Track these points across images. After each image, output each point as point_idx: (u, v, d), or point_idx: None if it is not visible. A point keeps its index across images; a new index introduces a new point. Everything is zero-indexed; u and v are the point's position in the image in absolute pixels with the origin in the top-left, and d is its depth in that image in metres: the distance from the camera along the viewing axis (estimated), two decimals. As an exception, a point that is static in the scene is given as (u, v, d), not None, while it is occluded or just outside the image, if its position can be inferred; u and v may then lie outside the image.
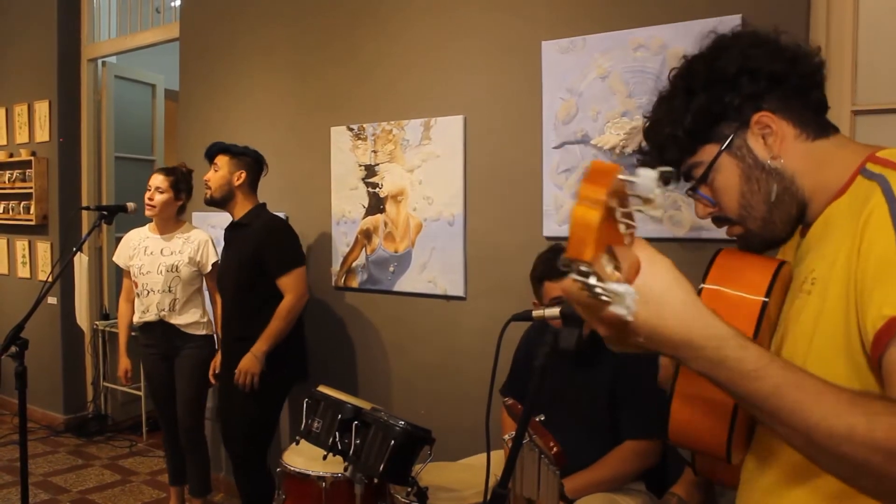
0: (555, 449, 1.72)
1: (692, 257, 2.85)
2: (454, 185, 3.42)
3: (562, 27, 3.09)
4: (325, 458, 2.20)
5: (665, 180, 1.20)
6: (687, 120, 1.16)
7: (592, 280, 0.76)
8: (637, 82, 2.90)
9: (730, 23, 2.69)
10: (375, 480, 2.01)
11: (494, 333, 3.23)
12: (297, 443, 2.36)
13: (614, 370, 2.55)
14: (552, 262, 2.60)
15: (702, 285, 1.13)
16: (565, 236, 2.84)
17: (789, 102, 1.15)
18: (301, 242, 3.56)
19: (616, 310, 0.77)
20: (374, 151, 3.69)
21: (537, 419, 1.87)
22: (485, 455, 2.88)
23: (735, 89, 1.14)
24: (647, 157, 1.24)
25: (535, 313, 1.35)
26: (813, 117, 1.16)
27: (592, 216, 0.73)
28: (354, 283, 3.79)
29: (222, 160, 3.49)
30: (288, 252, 3.43)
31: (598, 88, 2.99)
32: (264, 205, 3.57)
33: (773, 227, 1.17)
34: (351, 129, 3.77)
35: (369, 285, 3.74)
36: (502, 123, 3.30)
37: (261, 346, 3.33)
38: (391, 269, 3.65)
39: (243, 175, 3.47)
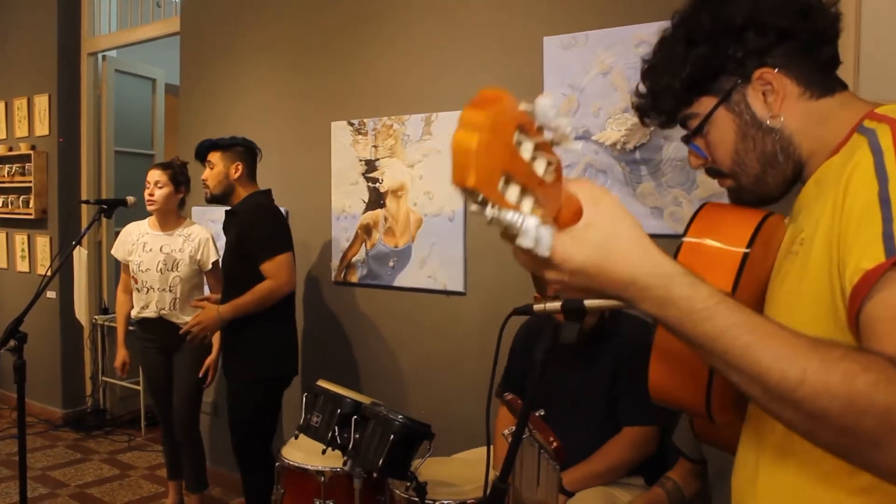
0: (554, 444, 1.72)
1: (693, 254, 2.85)
2: (455, 180, 3.40)
3: (564, 23, 3.08)
4: (324, 452, 2.20)
5: (702, 155, 1.17)
6: (685, 70, 1.12)
7: (490, 210, 0.71)
8: (638, 79, 2.88)
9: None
10: (375, 475, 2.00)
11: (494, 328, 3.25)
12: (296, 437, 2.35)
13: (614, 364, 2.55)
14: None
15: (682, 239, 1.11)
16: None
17: (796, 59, 1.09)
18: (295, 233, 3.51)
19: (523, 242, 0.73)
20: (375, 146, 3.68)
21: (537, 414, 1.86)
22: (481, 449, 2.90)
23: (739, 42, 1.09)
24: (643, 102, 1.21)
25: (537, 307, 1.34)
26: (819, 75, 1.11)
27: (470, 139, 0.68)
28: (354, 278, 3.79)
29: (215, 156, 3.45)
30: (272, 237, 3.32)
31: (600, 84, 2.99)
32: (263, 191, 3.50)
33: (765, 186, 1.13)
34: (351, 124, 3.76)
35: (369, 280, 3.73)
36: (503, 119, 3.28)
37: (226, 310, 3.27)
38: (391, 264, 3.64)
39: (240, 167, 3.44)
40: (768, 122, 1.10)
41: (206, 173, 3.46)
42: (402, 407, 3.51)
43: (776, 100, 1.09)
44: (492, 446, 3.02)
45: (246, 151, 3.49)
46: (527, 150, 0.74)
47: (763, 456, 1.10)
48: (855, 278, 0.88)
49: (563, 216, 0.80)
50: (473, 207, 0.72)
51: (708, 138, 1.15)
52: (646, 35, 2.87)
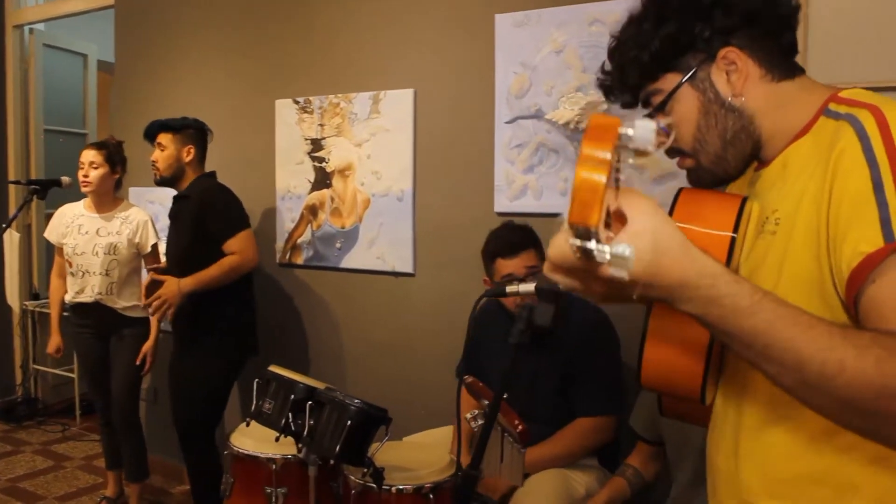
0: (520, 427, 1.69)
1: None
2: (403, 159, 3.36)
3: (516, 0, 3.04)
4: (277, 439, 2.13)
5: (665, 132, 1.18)
6: (653, 45, 1.13)
7: (592, 244, 0.72)
8: (592, 57, 2.87)
9: None
10: (331, 462, 1.95)
11: (445, 309, 3.26)
12: (248, 424, 2.28)
13: (570, 351, 2.54)
14: (505, 238, 2.57)
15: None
16: (516, 212, 2.83)
17: (759, 42, 1.13)
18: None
19: (616, 272, 0.74)
20: (321, 125, 3.59)
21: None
22: (434, 432, 2.87)
23: (707, 20, 1.11)
24: (608, 78, 1.22)
25: (510, 289, 1.31)
26: (781, 59, 1.14)
27: (598, 178, 0.68)
28: (300, 260, 3.70)
29: (166, 138, 3.33)
30: (231, 215, 3.26)
31: (553, 63, 2.95)
32: (209, 173, 3.42)
33: (725, 164, 1.16)
34: (297, 103, 3.66)
35: (315, 262, 3.65)
36: (453, 97, 3.24)
37: (188, 283, 3.16)
38: (338, 245, 3.57)
39: (192, 150, 3.34)
40: (731, 100, 1.13)
41: (157, 155, 3.34)
42: (350, 390, 3.46)
43: (739, 79, 1.12)
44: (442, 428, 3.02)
45: (197, 134, 3.39)
46: (616, 182, 0.74)
47: (744, 419, 1.12)
48: (854, 262, 0.92)
49: (616, 227, 0.81)
50: (573, 240, 0.72)
51: (671, 115, 1.16)
52: (599, 13, 2.85)
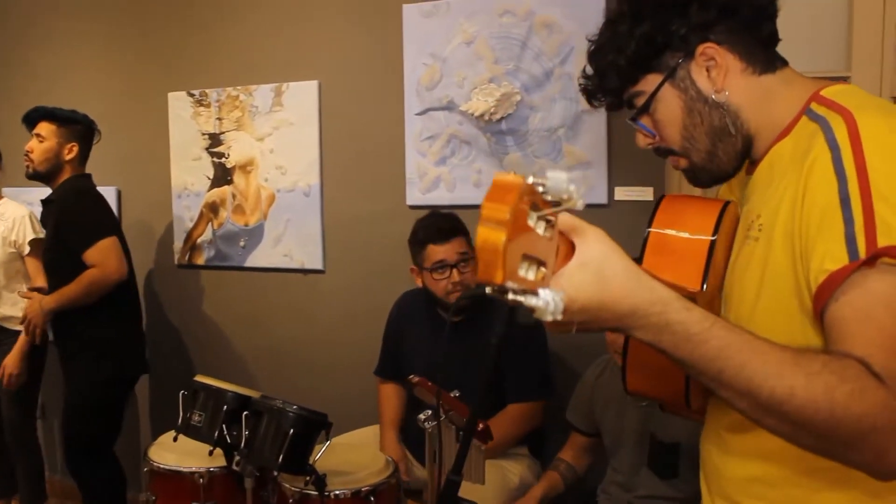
0: (480, 425, 1.67)
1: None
2: (309, 153, 3.26)
3: (424, -10, 3.01)
4: (211, 452, 2.03)
5: (651, 134, 1.18)
6: (630, 48, 1.12)
7: (511, 296, 0.74)
8: (504, 48, 2.88)
9: (594, -9, 2.73)
10: (275, 473, 1.87)
11: (356, 305, 3.21)
12: (176, 439, 2.16)
13: (497, 338, 2.54)
14: (436, 225, 2.56)
15: (648, 229, 1.12)
16: (429, 205, 2.82)
17: (738, 35, 1.11)
18: (130, 214, 3.21)
19: (543, 317, 0.76)
20: (219, 119, 3.43)
21: (452, 395, 1.81)
22: (360, 432, 2.83)
23: (683, 17, 1.10)
24: (589, 82, 1.21)
25: (489, 290, 1.28)
26: (762, 51, 1.13)
27: (497, 238, 0.70)
28: (200, 260, 3.53)
29: (47, 128, 3.07)
30: (88, 223, 2.99)
31: (464, 54, 2.94)
32: (81, 175, 3.15)
33: (718, 161, 1.15)
34: (192, 95, 3.48)
35: (217, 262, 3.50)
36: (361, 89, 3.17)
37: (49, 301, 2.97)
38: (241, 243, 3.43)
39: (75, 148, 3.09)
40: (713, 96, 1.12)
41: (33, 144, 3.07)
42: (263, 391, 3.33)
43: (719, 74, 1.11)
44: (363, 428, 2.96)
45: (84, 131, 3.14)
46: (539, 225, 0.76)
47: (731, 416, 1.12)
48: (820, 278, 0.93)
49: (559, 258, 0.83)
50: (489, 291, 0.74)
51: (655, 116, 1.16)
52: (509, 4, 2.85)
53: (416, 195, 3.08)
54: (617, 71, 1.14)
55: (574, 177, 0.77)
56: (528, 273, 0.76)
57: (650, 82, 1.14)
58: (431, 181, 3.06)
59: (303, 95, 3.25)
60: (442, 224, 2.54)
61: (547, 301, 0.75)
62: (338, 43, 3.19)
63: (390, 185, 3.14)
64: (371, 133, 3.17)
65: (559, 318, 0.76)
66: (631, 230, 2.73)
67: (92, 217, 3.02)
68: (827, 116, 1.02)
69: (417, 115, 3.05)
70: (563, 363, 2.84)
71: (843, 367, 0.86)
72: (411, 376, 1.91)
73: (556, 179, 0.76)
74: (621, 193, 2.81)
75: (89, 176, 3.17)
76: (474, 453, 1.71)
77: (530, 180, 0.75)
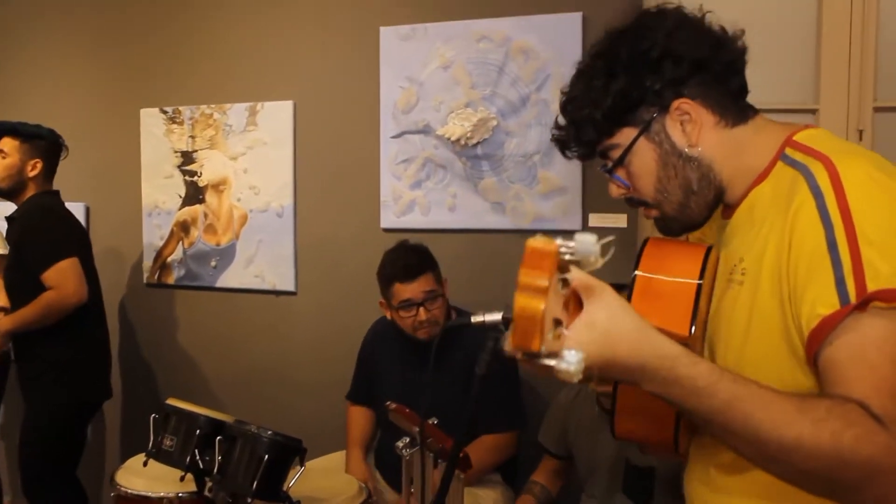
0: (462, 453, 1.65)
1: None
2: (283, 174, 3.24)
3: (401, 13, 3.01)
4: (182, 478, 1.98)
5: (624, 185, 1.18)
6: (606, 102, 1.12)
7: (541, 361, 0.76)
8: (481, 73, 2.89)
9: (570, 19, 2.75)
10: (249, 500, 1.84)
11: (328, 328, 3.18)
12: (146, 464, 2.11)
13: (465, 369, 2.52)
14: (402, 262, 2.52)
15: (635, 273, 1.13)
16: (403, 228, 2.80)
17: (710, 89, 1.13)
18: (98, 231, 3.14)
19: (564, 377, 0.77)
20: (192, 137, 3.40)
21: (431, 422, 1.79)
22: (332, 457, 2.79)
23: (657, 73, 1.11)
24: (563, 133, 1.21)
25: (475, 320, 1.26)
26: (733, 104, 1.15)
27: (536, 307, 0.71)
28: (170, 280, 3.48)
29: (10, 144, 2.99)
30: (47, 243, 2.90)
31: (441, 78, 2.95)
32: (47, 192, 3.07)
33: (689, 212, 1.17)
34: (165, 112, 3.45)
35: (187, 281, 3.45)
36: (336, 111, 3.16)
37: (6, 323, 2.89)
38: (213, 263, 3.39)
39: (39, 164, 3.01)
40: (687, 150, 1.14)
41: None
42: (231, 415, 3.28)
43: (694, 129, 1.13)
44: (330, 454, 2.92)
45: (49, 147, 3.05)
46: (559, 283, 0.78)
47: (721, 457, 1.13)
48: (812, 323, 0.94)
49: (569, 312, 0.84)
50: (519, 356, 0.77)
51: (630, 169, 1.18)
52: (486, 30, 2.87)
53: (391, 218, 3.07)
54: (593, 124, 1.15)
55: (600, 240, 0.81)
56: (551, 335, 0.77)
57: (625, 135, 1.15)
58: (406, 204, 3.05)
59: (277, 115, 3.23)
60: (408, 260, 2.50)
61: (570, 363, 0.76)
62: (314, 63, 3.18)
63: (364, 208, 3.12)
64: (346, 155, 3.15)
65: (578, 378, 0.78)
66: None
67: (52, 237, 2.93)
68: (806, 163, 1.03)
69: (393, 137, 3.04)
70: (534, 387, 2.83)
71: (846, 412, 0.87)
72: (389, 402, 1.88)
73: (585, 243, 0.79)
74: (596, 220, 2.82)
75: (56, 193, 3.10)
76: (453, 482, 1.68)
77: (560, 244, 0.77)
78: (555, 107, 2.80)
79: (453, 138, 2.89)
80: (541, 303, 0.69)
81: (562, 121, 1.21)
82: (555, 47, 2.78)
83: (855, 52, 2.24)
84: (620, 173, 1.19)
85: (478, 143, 2.89)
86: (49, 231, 2.94)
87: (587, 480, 2.27)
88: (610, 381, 0.91)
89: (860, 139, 2.18)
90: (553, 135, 1.24)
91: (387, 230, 3.07)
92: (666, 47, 1.10)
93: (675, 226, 1.20)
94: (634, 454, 2.13)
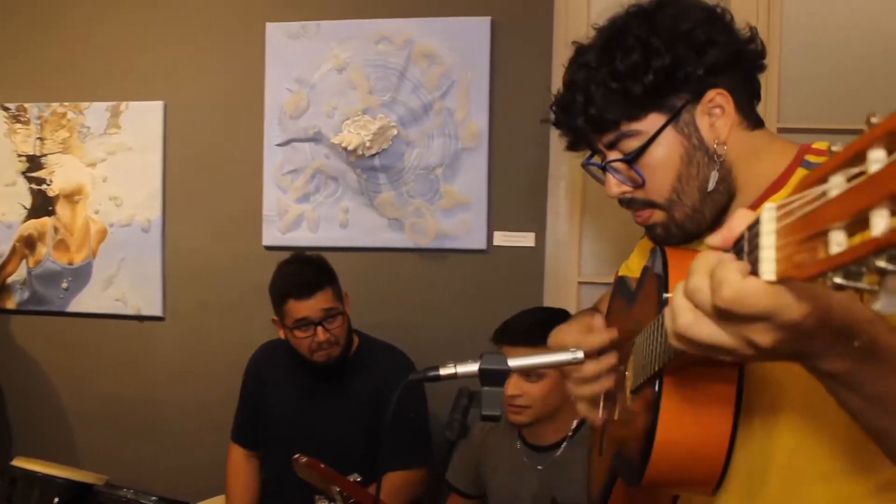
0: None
1: (435, 268, 2.69)
2: (150, 184, 2.88)
3: (291, 9, 2.74)
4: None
5: (640, 177, 1.00)
6: (647, 78, 0.99)
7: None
8: (379, 78, 2.65)
9: (478, 24, 2.58)
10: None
11: (199, 358, 2.84)
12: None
13: (370, 397, 2.32)
14: (297, 276, 2.30)
15: (665, 295, 0.93)
16: (288, 246, 2.49)
17: (740, 85, 1.04)
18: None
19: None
20: (41, 139, 2.96)
21: (352, 479, 1.53)
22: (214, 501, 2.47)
23: (701, 57, 1.00)
24: (573, 108, 1.05)
25: (445, 372, 1.03)
26: (752, 106, 1.07)
27: None
28: (11, 304, 3.01)
29: None
30: None
31: (335, 81, 2.68)
32: None
33: (700, 219, 1.05)
34: (6, 109, 2.99)
35: (33, 306, 2.99)
36: (214, 113, 2.84)
37: None
38: (64, 285, 2.96)
39: None
40: (715, 147, 1.02)
41: None
42: (86, 459, 2.84)
43: (725, 124, 1.03)
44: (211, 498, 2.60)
45: None
46: None
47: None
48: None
49: None
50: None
51: (648, 161, 1.03)
52: (386, 31, 2.64)
53: (275, 235, 2.77)
54: (624, 101, 1.01)
55: None
56: None
57: (651, 122, 1.02)
58: (292, 220, 2.76)
59: (145, 117, 2.87)
60: (305, 275, 2.27)
61: None
62: (189, 60, 2.85)
63: (245, 223, 2.81)
64: (224, 163, 2.84)
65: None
66: (510, 278, 2.64)
67: None
68: None
69: (279, 145, 2.75)
70: (438, 423, 2.59)
71: None
72: (297, 455, 1.62)
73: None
74: (500, 238, 2.65)
75: None
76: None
77: None
78: (460, 115, 2.63)
79: (350, 147, 2.62)
80: None
81: (580, 97, 1.04)
82: (461, 53, 2.59)
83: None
84: (620, 167, 1.06)
85: (376, 153, 2.65)
86: None
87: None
88: (797, 353, 0.67)
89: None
90: (555, 115, 1.09)
91: (270, 248, 2.77)
92: (709, 32, 1.01)
93: (679, 233, 1.06)
94: (562, 492, 1.98)
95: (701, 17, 1.02)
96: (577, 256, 2.62)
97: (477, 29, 2.58)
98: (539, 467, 2.05)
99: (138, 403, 2.92)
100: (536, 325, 1.99)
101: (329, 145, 2.69)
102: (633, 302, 1.12)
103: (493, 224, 2.65)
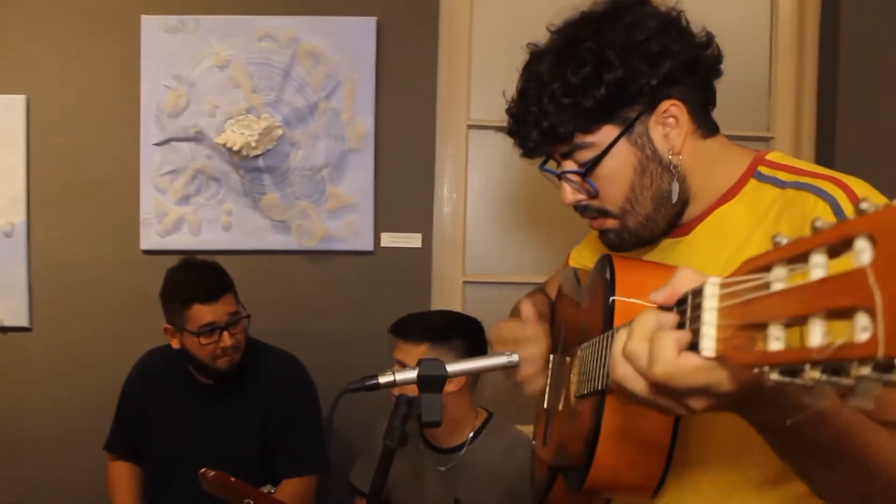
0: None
1: (322, 270, 2.66)
2: (13, 185, 2.69)
3: (168, 2, 2.63)
4: None
5: (593, 189, 1.05)
6: (598, 92, 0.99)
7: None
8: (263, 76, 2.59)
9: (364, 24, 2.57)
10: None
11: (73, 370, 2.70)
12: None
13: (264, 405, 2.27)
14: (201, 281, 2.21)
15: (613, 297, 0.98)
16: (169, 249, 2.42)
17: (693, 94, 1.04)
18: None
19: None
20: None
21: (265, 490, 1.49)
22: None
23: (654, 68, 1.00)
24: (526, 120, 1.05)
25: (383, 380, 1.02)
26: (706, 114, 1.08)
27: None
28: None
29: None
30: None
31: (216, 79, 2.60)
32: None
33: (653, 227, 1.07)
34: None
35: None
36: (85, 110, 2.69)
37: None
38: (-87, 295, 2.73)
39: None
40: (670, 157, 1.03)
41: None
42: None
43: (679, 135, 1.03)
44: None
45: None
46: None
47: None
48: None
49: None
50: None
51: (601, 172, 1.04)
52: (270, 28, 2.58)
53: (154, 238, 2.65)
54: (576, 115, 1.01)
55: None
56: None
57: (605, 134, 1.02)
58: (172, 223, 2.65)
59: (5, 112, 2.67)
60: (207, 279, 2.20)
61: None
62: (55, 51, 2.67)
63: (120, 226, 2.68)
64: (96, 163, 2.69)
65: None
66: (397, 279, 2.64)
67: None
68: (812, 183, 0.97)
69: (156, 145, 2.63)
70: (338, 429, 2.56)
71: None
72: (204, 469, 1.55)
73: None
74: (387, 240, 2.66)
75: None
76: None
77: None
78: (346, 116, 2.61)
79: (235, 148, 2.54)
80: None
81: (534, 107, 1.04)
82: (347, 53, 2.57)
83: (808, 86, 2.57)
84: (576, 178, 1.06)
85: (260, 154, 2.58)
86: None
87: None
88: (733, 407, 0.70)
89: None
90: (510, 125, 1.08)
91: (148, 252, 2.66)
92: (663, 42, 1.00)
93: (632, 240, 1.08)
94: (467, 493, 2.03)
95: (655, 25, 1.02)
96: (461, 256, 2.65)
97: (363, 29, 2.57)
98: (441, 468, 2.06)
99: (2, 422, 2.73)
100: (432, 327, 2.01)
101: (212, 145, 2.60)
102: (581, 299, 1.14)
103: (380, 225, 2.65)
